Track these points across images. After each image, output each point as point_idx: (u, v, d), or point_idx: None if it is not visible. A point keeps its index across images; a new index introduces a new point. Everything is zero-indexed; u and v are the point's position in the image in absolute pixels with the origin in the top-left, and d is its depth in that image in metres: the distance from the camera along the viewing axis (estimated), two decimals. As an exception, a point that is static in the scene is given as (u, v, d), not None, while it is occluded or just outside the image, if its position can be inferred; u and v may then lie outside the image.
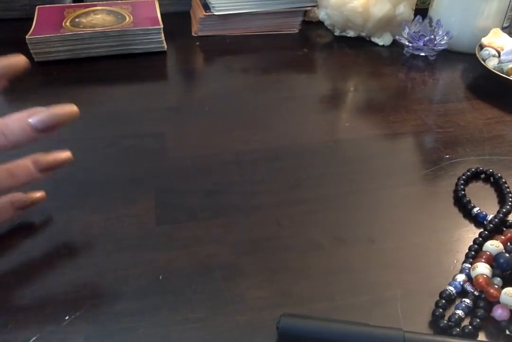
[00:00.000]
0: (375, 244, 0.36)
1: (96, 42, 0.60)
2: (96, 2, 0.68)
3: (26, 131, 0.30)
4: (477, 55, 0.56)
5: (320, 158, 0.45)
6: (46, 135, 0.31)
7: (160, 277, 0.33)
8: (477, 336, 0.30)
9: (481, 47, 0.58)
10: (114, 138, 0.47)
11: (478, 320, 0.30)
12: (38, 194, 0.37)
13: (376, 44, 0.66)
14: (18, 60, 0.32)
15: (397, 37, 0.63)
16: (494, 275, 0.33)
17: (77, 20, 0.63)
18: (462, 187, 0.40)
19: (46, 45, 0.59)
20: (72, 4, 0.70)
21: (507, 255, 0.33)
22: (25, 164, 0.33)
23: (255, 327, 0.30)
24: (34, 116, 0.30)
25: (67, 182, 0.41)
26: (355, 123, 0.50)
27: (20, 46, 0.59)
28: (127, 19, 0.63)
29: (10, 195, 0.35)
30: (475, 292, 0.32)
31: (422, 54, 0.62)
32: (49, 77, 0.58)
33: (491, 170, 0.42)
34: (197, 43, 0.67)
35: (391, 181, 0.42)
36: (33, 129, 0.30)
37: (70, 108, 0.31)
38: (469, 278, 0.33)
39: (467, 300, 0.31)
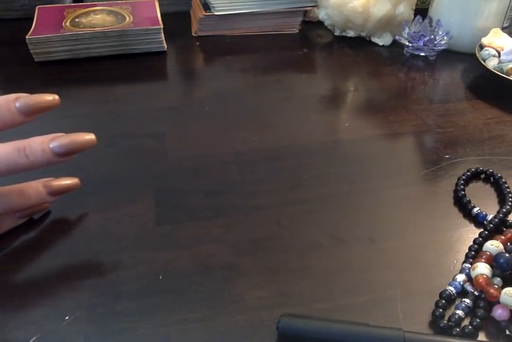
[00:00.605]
0: (375, 244, 0.36)
1: (96, 42, 0.60)
2: (96, 2, 0.68)
3: (47, 154, 0.31)
4: (477, 55, 0.56)
5: (320, 158, 0.45)
6: (64, 160, 0.32)
7: (160, 277, 0.33)
8: (477, 336, 0.30)
9: (481, 47, 0.58)
10: (114, 138, 0.47)
11: (478, 320, 0.30)
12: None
13: (376, 44, 0.66)
14: (51, 99, 0.33)
15: (397, 37, 0.63)
16: (494, 275, 0.32)
17: (77, 20, 0.63)
18: (462, 187, 0.40)
19: (46, 45, 0.59)
20: (72, 4, 0.70)
21: (507, 255, 0.33)
22: (37, 186, 0.35)
23: (255, 327, 0.30)
24: (55, 141, 0.32)
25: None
26: (355, 123, 0.50)
27: (20, 46, 0.59)
28: (127, 19, 0.63)
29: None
30: (475, 292, 0.32)
31: (422, 54, 0.62)
32: (49, 77, 0.58)
33: (491, 170, 0.42)
34: (197, 43, 0.67)
35: (391, 181, 0.42)
36: (53, 153, 0.31)
37: (88, 137, 0.33)
38: (469, 278, 0.33)
39: (467, 300, 0.31)
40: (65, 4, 0.69)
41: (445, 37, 0.61)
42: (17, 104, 0.31)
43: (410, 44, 0.62)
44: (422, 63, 0.62)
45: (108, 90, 0.56)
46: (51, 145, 0.31)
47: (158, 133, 0.48)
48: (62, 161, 0.32)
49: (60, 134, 0.32)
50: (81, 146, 0.32)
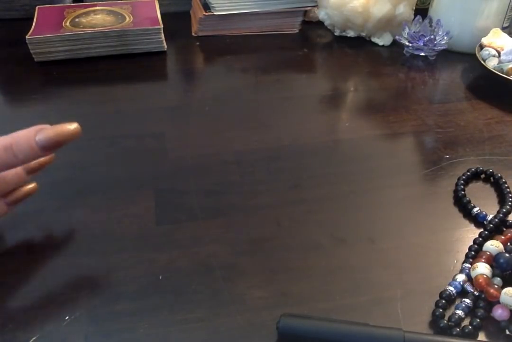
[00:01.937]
0: (375, 244, 0.36)
1: (96, 42, 0.60)
2: (96, 2, 0.68)
3: (34, 150, 0.30)
4: (477, 55, 0.56)
5: (320, 158, 0.45)
6: (49, 153, 0.32)
7: (160, 277, 0.33)
8: (477, 336, 0.30)
9: (481, 47, 0.58)
10: (114, 138, 0.47)
11: (478, 320, 0.30)
12: (30, 186, 0.37)
13: (376, 44, 0.66)
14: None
15: (397, 37, 0.63)
16: (494, 275, 0.33)
17: (77, 20, 0.63)
18: (462, 187, 0.40)
19: (46, 45, 0.59)
20: (72, 4, 0.70)
21: (507, 255, 0.33)
22: (17, 170, 0.34)
23: (255, 327, 0.30)
24: (40, 134, 0.30)
25: (67, 182, 0.41)
26: (355, 123, 0.50)
27: (20, 46, 0.59)
28: (127, 19, 0.63)
29: None
30: (475, 292, 0.32)
31: (422, 54, 0.62)
32: (49, 77, 0.58)
33: (491, 170, 0.42)
34: (197, 43, 0.67)
35: (391, 181, 0.42)
36: (40, 147, 0.30)
37: (73, 127, 0.31)
38: (469, 278, 0.33)
39: (467, 300, 0.31)
40: (65, 4, 0.69)
41: (445, 37, 0.61)
42: (38, 140, 0.30)
43: (410, 44, 0.62)
44: (422, 63, 0.62)
45: (108, 90, 0.56)
46: (37, 139, 0.30)
47: (158, 133, 0.48)
48: (47, 155, 0.32)
49: (44, 126, 0.31)
50: (67, 137, 0.31)
